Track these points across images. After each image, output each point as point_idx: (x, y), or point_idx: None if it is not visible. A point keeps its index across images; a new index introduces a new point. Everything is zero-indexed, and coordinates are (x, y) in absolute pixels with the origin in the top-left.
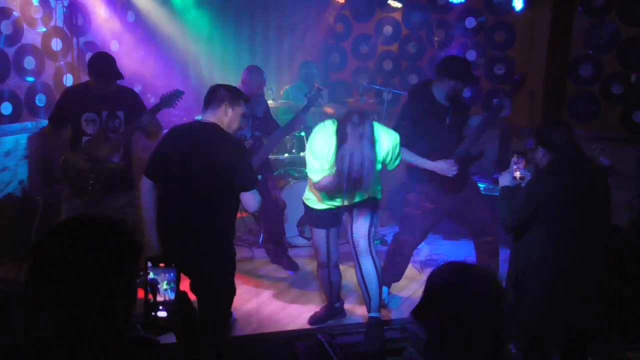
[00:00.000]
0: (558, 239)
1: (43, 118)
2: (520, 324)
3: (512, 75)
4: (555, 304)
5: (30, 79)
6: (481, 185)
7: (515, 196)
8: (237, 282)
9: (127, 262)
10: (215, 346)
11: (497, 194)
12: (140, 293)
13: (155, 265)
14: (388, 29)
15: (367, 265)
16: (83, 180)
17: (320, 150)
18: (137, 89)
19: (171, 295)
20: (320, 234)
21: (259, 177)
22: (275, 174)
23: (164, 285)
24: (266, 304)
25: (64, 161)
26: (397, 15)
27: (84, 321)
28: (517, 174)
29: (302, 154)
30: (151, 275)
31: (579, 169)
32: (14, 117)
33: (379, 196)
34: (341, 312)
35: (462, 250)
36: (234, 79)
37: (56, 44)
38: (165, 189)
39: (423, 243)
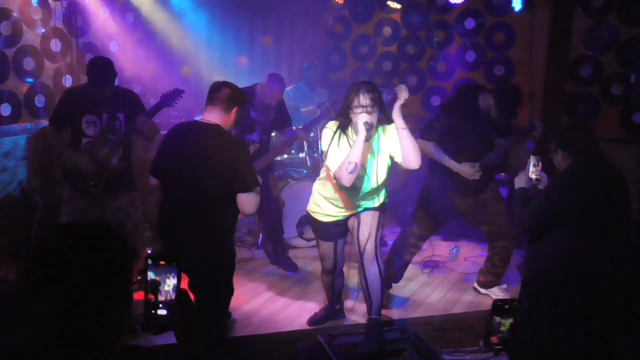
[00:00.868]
0: (576, 244)
1: (42, 119)
2: (534, 328)
3: (511, 75)
4: (571, 312)
5: (30, 79)
6: None
7: (532, 198)
8: (237, 282)
9: (123, 267)
10: (213, 346)
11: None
12: (141, 294)
13: (155, 264)
14: (387, 30)
15: (373, 270)
16: (85, 181)
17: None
18: (137, 89)
19: (172, 295)
20: (327, 246)
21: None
22: (275, 174)
23: (165, 286)
24: (266, 304)
25: (65, 162)
26: (397, 16)
27: (80, 323)
28: (533, 175)
29: (301, 154)
30: (152, 276)
31: (599, 172)
32: (14, 118)
33: (386, 200)
34: (341, 313)
35: (462, 251)
36: (234, 80)
37: (55, 45)
38: (166, 187)
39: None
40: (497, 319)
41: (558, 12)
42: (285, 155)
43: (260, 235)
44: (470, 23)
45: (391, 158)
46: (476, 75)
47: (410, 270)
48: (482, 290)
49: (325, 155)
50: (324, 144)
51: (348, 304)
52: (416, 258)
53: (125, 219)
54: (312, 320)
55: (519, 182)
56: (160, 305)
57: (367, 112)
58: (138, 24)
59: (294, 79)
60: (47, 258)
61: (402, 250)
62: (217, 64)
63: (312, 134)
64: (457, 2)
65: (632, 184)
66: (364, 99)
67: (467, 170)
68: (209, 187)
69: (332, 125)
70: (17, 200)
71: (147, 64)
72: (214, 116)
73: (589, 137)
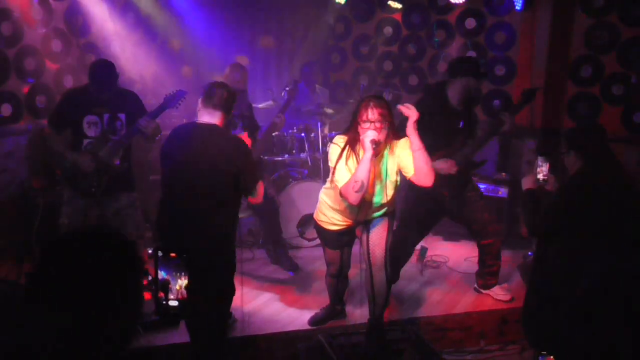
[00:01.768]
0: (587, 249)
1: (43, 119)
2: (539, 331)
3: (512, 76)
4: (577, 321)
5: (31, 80)
6: (481, 186)
7: (540, 200)
8: (238, 283)
9: (130, 273)
10: (215, 345)
11: (500, 196)
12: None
13: (166, 256)
14: (388, 30)
15: (380, 278)
16: (85, 182)
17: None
18: (137, 90)
19: (183, 293)
20: (334, 254)
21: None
22: (275, 174)
23: (176, 286)
24: (267, 304)
25: (65, 162)
26: (397, 16)
27: (88, 327)
28: (541, 176)
29: (302, 154)
30: (163, 275)
31: (611, 177)
32: (14, 118)
33: (395, 206)
34: (342, 313)
35: (462, 251)
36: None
37: (56, 45)
38: (167, 187)
39: (424, 244)
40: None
41: (559, 12)
42: (286, 156)
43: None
44: (471, 23)
45: (400, 172)
46: None
47: (411, 270)
48: (483, 291)
49: (333, 172)
50: (331, 160)
51: (349, 305)
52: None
53: (126, 220)
54: (313, 320)
55: (527, 184)
56: (172, 297)
57: (375, 128)
58: (139, 24)
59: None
60: (59, 259)
61: (395, 253)
62: (218, 64)
63: (312, 134)
64: (458, 1)
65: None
66: (372, 114)
67: (441, 165)
68: (211, 186)
69: (339, 140)
70: (18, 201)
71: (147, 64)
72: (211, 117)
73: (603, 139)
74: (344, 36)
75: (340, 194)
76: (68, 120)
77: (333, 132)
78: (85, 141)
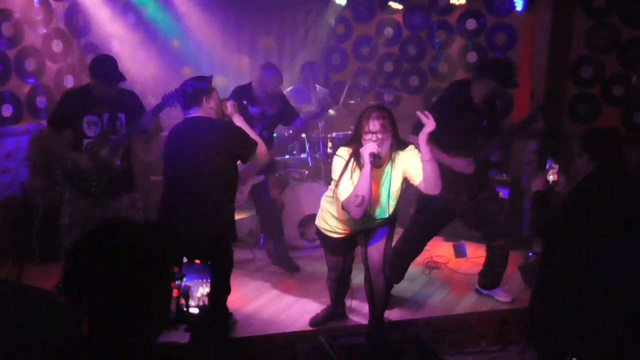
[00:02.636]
0: (594, 254)
1: (44, 120)
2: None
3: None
4: (582, 327)
5: (31, 80)
6: None
7: (548, 202)
8: (238, 283)
9: (164, 265)
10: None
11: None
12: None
13: (190, 263)
14: (389, 31)
15: (379, 282)
16: (86, 182)
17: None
18: (137, 90)
19: (205, 301)
20: (335, 260)
21: (261, 176)
22: (276, 175)
23: (197, 293)
24: (267, 305)
25: (66, 163)
26: (398, 17)
27: (121, 323)
28: (551, 177)
29: (303, 155)
30: (184, 282)
31: (625, 179)
32: (15, 119)
33: (396, 212)
34: (342, 314)
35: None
36: (234, 80)
37: (57, 46)
38: (168, 179)
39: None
40: None
41: (559, 12)
42: (287, 156)
43: (262, 236)
44: (471, 24)
45: (406, 180)
46: None
47: (412, 271)
48: (484, 292)
49: (337, 184)
50: (335, 173)
51: (350, 304)
52: (417, 259)
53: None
54: (314, 321)
55: (537, 186)
56: (192, 304)
57: (377, 139)
58: (139, 25)
59: (294, 80)
60: (90, 255)
61: (404, 252)
62: (218, 64)
63: (313, 134)
64: (458, 2)
65: None
66: (373, 125)
67: (459, 163)
68: (207, 172)
69: (343, 152)
70: (19, 202)
71: (148, 65)
72: (193, 111)
73: (617, 143)
74: (344, 37)
75: (342, 208)
76: (67, 120)
77: (334, 133)
78: (86, 141)
